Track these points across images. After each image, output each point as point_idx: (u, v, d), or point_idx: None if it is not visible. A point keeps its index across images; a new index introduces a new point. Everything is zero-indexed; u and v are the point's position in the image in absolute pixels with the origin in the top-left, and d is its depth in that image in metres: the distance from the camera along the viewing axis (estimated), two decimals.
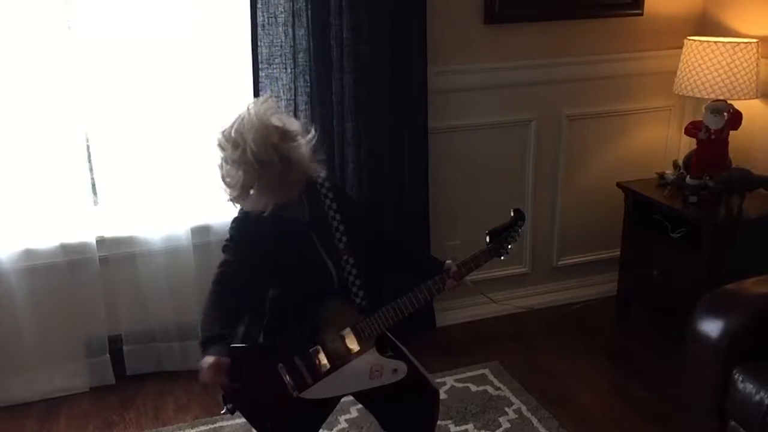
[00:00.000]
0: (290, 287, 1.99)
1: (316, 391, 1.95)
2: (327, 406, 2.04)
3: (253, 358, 1.96)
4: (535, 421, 2.64)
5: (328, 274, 1.98)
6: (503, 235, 2.08)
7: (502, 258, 2.10)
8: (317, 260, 1.98)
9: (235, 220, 2.02)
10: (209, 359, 1.83)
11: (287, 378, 1.93)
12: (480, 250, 2.06)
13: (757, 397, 2.00)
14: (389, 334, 2.04)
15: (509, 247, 2.10)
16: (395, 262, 2.18)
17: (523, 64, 3.19)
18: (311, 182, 2.03)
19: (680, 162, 3.24)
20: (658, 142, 3.53)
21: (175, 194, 2.84)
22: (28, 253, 2.78)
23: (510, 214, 2.13)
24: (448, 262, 2.05)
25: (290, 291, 1.99)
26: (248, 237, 1.97)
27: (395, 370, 1.99)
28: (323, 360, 1.94)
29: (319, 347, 1.93)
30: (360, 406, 2.65)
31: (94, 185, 2.87)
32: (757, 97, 2.98)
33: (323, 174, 2.05)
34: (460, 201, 3.25)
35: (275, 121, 1.85)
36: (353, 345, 1.95)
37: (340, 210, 2.03)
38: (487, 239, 2.08)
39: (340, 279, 1.99)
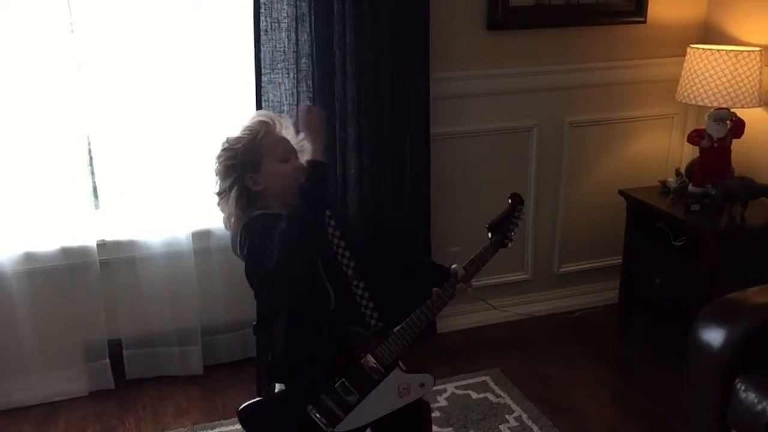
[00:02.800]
0: (292, 307, 1.97)
1: (349, 423, 1.93)
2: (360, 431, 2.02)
3: (280, 407, 1.95)
4: (536, 429, 2.63)
5: (326, 296, 1.96)
6: (504, 224, 2.05)
7: (507, 246, 2.07)
8: (317, 281, 1.96)
9: (250, 223, 1.95)
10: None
11: (318, 417, 1.91)
12: (484, 246, 2.03)
13: (759, 407, 1.99)
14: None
15: (512, 234, 2.06)
16: (402, 277, 2.17)
17: (526, 70, 3.19)
18: None
19: (683, 170, 3.24)
20: (661, 150, 3.52)
21: (176, 198, 2.84)
22: (29, 257, 2.78)
23: (507, 201, 2.09)
24: (453, 266, 2.03)
25: (285, 311, 1.97)
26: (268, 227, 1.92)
27: (422, 384, 1.98)
28: (350, 392, 1.92)
29: (343, 380, 1.91)
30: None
31: (95, 189, 2.87)
32: (760, 106, 2.98)
33: None
34: (461, 207, 3.25)
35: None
36: (376, 371, 1.93)
37: (343, 237, 2.03)
38: (489, 234, 2.04)
39: (341, 302, 1.98)
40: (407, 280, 2.18)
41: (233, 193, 1.97)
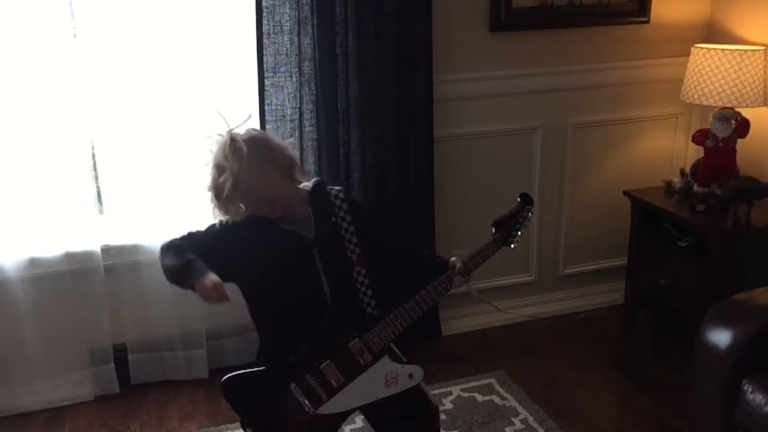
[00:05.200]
0: (280, 304, 1.97)
1: (332, 406, 1.93)
2: (344, 416, 2.01)
3: (265, 381, 1.94)
4: (542, 431, 2.62)
5: (321, 294, 1.96)
6: (510, 223, 2.02)
7: (512, 246, 2.03)
8: (312, 278, 1.96)
9: (229, 222, 1.97)
10: (207, 279, 1.85)
11: (301, 397, 1.91)
12: (486, 242, 2.01)
13: (767, 408, 1.98)
14: (394, 348, 2.01)
15: (518, 234, 2.03)
16: (403, 268, 2.16)
17: (529, 72, 3.18)
18: (324, 195, 2.03)
19: (687, 170, 3.23)
20: (665, 150, 3.51)
21: (180, 203, 2.84)
22: (33, 262, 2.78)
23: (516, 199, 2.05)
24: (452, 259, 2.01)
25: (281, 308, 1.98)
26: (231, 243, 1.96)
27: (411, 375, 1.96)
28: (335, 374, 1.91)
29: (329, 362, 1.91)
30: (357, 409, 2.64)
31: (99, 194, 2.87)
32: (764, 105, 2.97)
33: (338, 186, 2.09)
34: (465, 209, 3.24)
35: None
36: (363, 356, 1.93)
37: (354, 222, 2.03)
38: (493, 230, 2.01)
39: (342, 295, 1.98)
40: (407, 269, 2.16)
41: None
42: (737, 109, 2.97)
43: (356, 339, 1.93)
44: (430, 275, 1.99)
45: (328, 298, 1.97)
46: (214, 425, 2.73)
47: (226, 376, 1.95)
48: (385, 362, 1.95)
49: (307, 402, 1.91)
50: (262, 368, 1.97)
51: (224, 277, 1.92)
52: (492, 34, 3.09)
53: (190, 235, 2.02)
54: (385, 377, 1.95)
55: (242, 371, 1.96)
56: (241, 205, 1.92)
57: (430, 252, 2.19)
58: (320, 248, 1.98)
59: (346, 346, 1.93)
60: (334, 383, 1.92)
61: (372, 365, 1.93)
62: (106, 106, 2.74)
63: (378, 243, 2.09)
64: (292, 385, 1.91)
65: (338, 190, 2.08)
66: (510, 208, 2.06)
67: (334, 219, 2.02)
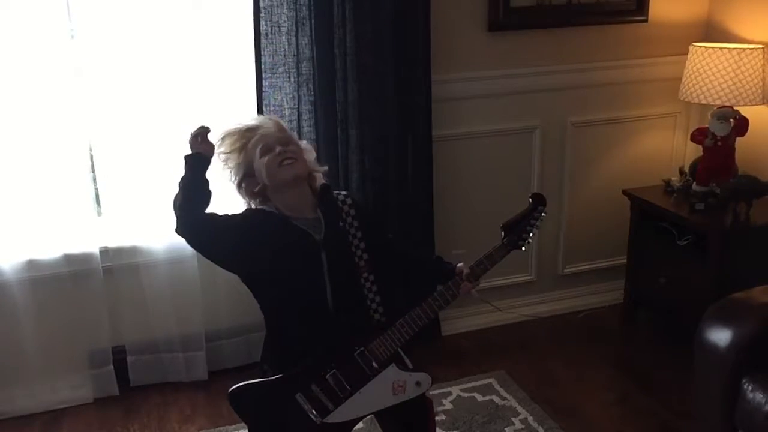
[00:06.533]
0: (278, 302, 1.97)
1: (340, 414, 1.91)
2: (351, 424, 1.99)
3: (270, 392, 1.93)
4: (541, 431, 2.61)
5: (322, 297, 1.95)
6: (520, 225, 1.96)
7: (522, 249, 1.97)
8: (315, 281, 1.95)
9: (250, 209, 2.04)
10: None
11: (308, 407, 1.89)
12: (494, 246, 1.96)
13: (767, 408, 1.97)
14: (402, 354, 1.98)
15: (530, 235, 1.97)
16: (410, 274, 2.14)
17: (528, 71, 3.18)
18: (331, 199, 2.03)
19: (686, 169, 3.23)
20: (664, 149, 3.51)
21: None
22: (32, 264, 2.78)
23: (528, 200, 1.98)
24: (459, 265, 1.98)
25: (279, 307, 1.97)
26: (241, 226, 1.97)
27: (418, 383, 1.94)
28: (341, 384, 1.90)
29: (335, 371, 1.90)
30: (366, 417, 2.64)
31: (97, 195, 2.86)
32: (763, 104, 2.97)
33: (344, 191, 2.10)
34: (464, 209, 3.24)
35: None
36: (370, 365, 1.91)
37: (361, 227, 2.01)
38: (503, 233, 1.96)
39: (347, 300, 1.96)
40: (414, 276, 2.14)
41: (242, 193, 2.05)
42: (736, 108, 2.97)
43: (363, 348, 1.91)
44: (437, 281, 1.99)
45: (329, 303, 1.95)
46: (213, 427, 2.73)
47: (234, 387, 1.93)
48: (392, 370, 1.93)
49: (313, 412, 1.89)
50: (268, 378, 1.95)
51: (230, 261, 1.99)
52: (490, 33, 3.08)
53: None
54: (393, 385, 1.93)
55: (249, 381, 1.95)
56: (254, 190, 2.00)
57: (437, 257, 2.17)
58: (328, 252, 1.96)
59: (352, 355, 1.91)
60: (340, 393, 1.90)
61: (379, 374, 1.92)
62: (104, 107, 2.73)
63: (385, 249, 2.07)
64: (299, 395, 1.90)
65: (345, 195, 2.07)
66: (513, 207, 2.01)
67: (342, 224, 2.01)
